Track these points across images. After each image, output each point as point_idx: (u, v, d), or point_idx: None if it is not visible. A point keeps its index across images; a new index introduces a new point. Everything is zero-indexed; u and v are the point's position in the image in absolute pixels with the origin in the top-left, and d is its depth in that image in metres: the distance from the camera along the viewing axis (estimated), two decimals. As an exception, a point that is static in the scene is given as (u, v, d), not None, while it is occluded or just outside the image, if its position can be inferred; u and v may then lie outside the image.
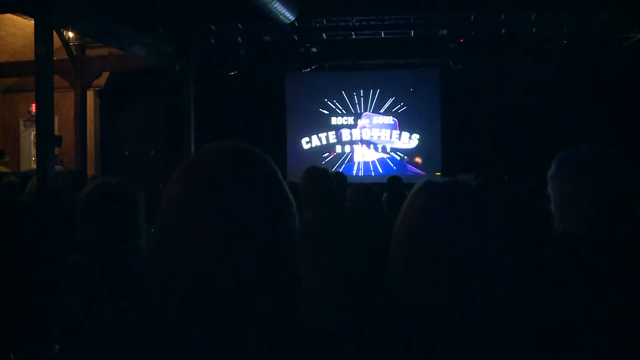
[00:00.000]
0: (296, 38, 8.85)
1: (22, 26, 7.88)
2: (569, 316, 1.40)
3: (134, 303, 1.61)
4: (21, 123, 9.87)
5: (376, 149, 10.60)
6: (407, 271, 1.17)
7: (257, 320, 0.82)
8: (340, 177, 4.60)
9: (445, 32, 8.55)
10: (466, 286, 1.13)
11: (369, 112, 10.60)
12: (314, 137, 10.70)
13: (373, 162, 10.60)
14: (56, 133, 6.79)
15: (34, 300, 1.78)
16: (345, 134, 10.66)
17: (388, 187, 5.10)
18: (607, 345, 1.37)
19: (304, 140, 10.71)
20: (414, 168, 10.36)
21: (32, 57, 5.61)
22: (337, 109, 10.65)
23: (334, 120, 10.68)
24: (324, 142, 10.70)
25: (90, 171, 8.77)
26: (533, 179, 3.70)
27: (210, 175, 0.84)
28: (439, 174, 9.75)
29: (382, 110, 10.55)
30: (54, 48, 5.76)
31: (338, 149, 10.65)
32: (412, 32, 8.56)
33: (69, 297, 1.73)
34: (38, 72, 5.44)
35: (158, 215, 0.86)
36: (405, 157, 10.48)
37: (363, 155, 10.62)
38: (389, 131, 10.55)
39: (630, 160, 1.50)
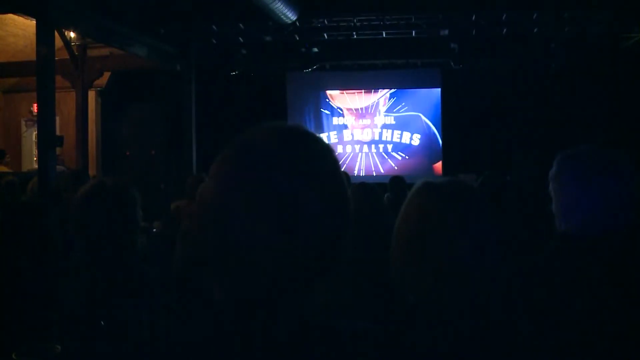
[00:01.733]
0: (297, 38, 8.85)
1: (23, 26, 7.89)
2: (570, 317, 1.40)
3: (134, 301, 1.61)
4: (23, 123, 9.89)
5: (377, 148, 10.59)
6: (408, 272, 1.17)
7: (295, 316, 0.80)
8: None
9: (446, 32, 8.55)
10: (467, 286, 1.13)
11: (370, 112, 10.60)
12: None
13: (374, 162, 10.60)
14: (57, 133, 6.79)
15: (36, 299, 1.78)
16: (347, 134, 10.66)
17: (390, 187, 5.10)
18: (610, 345, 1.37)
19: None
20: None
21: (33, 57, 5.61)
22: (338, 109, 10.66)
23: (335, 121, 10.69)
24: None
25: (92, 171, 8.78)
26: (534, 179, 3.70)
27: (270, 161, 0.77)
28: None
29: (383, 110, 10.54)
30: (55, 48, 5.77)
31: (339, 149, 10.65)
32: (414, 32, 8.55)
33: (69, 296, 1.74)
34: (39, 72, 5.45)
35: (200, 204, 0.81)
36: (407, 156, 10.47)
37: (364, 156, 10.62)
38: (390, 131, 10.55)
39: (631, 160, 1.50)
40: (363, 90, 10.54)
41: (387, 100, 10.52)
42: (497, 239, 1.16)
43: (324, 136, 10.66)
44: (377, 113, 10.56)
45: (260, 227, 0.75)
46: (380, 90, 10.50)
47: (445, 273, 1.12)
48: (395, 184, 5.12)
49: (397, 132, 10.53)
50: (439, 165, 10.27)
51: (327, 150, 0.82)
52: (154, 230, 4.54)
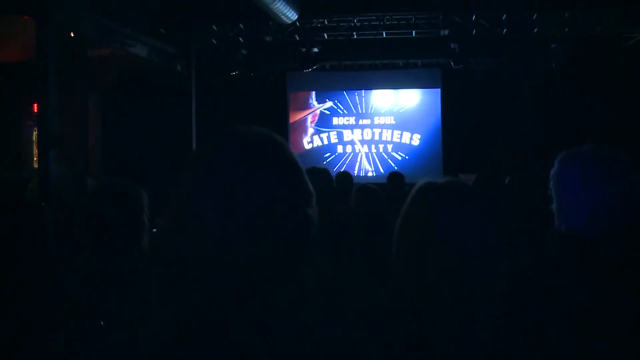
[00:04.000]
0: (297, 38, 8.85)
1: (24, 26, 7.88)
2: (570, 316, 1.40)
3: (139, 300, 1.61)
4: (23, 123, 9.87)
5: (377, 148, 10.59)
6: (410, 271, 1.17)
7: (269, 309, 0.81)
8: (345, 177, 4.60)
9: (446, 32, 8.55)
10: (470, 287, 1.13)
11: (371, 111, 10.60)
12: (316, 137, 10.71)
13: (374, 162, 10.60)
14: (58, 133, 6.79)
15: (36, 300, 1.78)
16: (347, 134, 10.66)
17: (388, 183, 5.11)
18: (609, 345, 1.37)
19: (306, 140, 10.72)
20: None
21: (34, 57, 5.61)
22: (338, 109, 10.66)
23: (335, 120, 10.69)
24: (326, 142, 10.70)
25: (93, 171, 8.77)
26: (534, 179, 3.69)
27: (230, 162, 0.81)
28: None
29: (383, 110, 10.55)
30: (56, 48, 5.76)
31: (339, 149, 10.65)
32: (414, 32, 8.55)
33: (74, 296, 1.74)
34: (40, 72, 5.44)
35: (171, 202, 0.83)
36: (407, 156, 10.47)
37: (364, 155, 10.62)
38: (390, 131, 10.55)
39: (632, 159, 1.50)
40: (363, 90, 10.54)
41: (387, 100, 10.51)
42: (496, 239, 1.16)
43: (324, 136, 10.66)
44: (377, 113, 10.56)
45: (232, 226, 0.78)
46: (380, 90, 10.49)
47: (446, 272, 1.13)
48: (393, 179, 5.14)
49: (397, 132, 10.53)
50: (438, 165, 10.26)
51: (285, 150, 0.87)
52: (154, 230, 4.53)
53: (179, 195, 0.83)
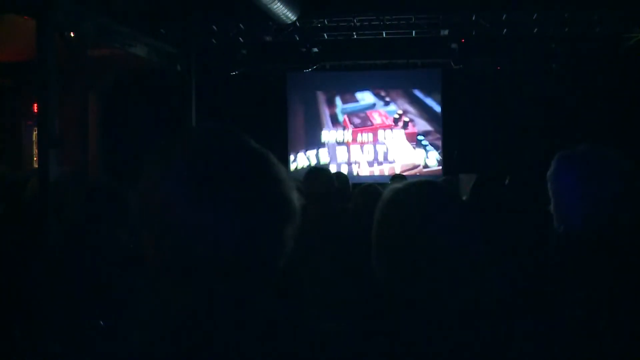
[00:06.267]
0: (297, 38, 8.85)
1: (23, 26, 7.88)
2: (570, 316, 1.40)
3: (122, 298, 1.62)
4: (23, 124, 9.88)
5: (378, 148, 10.59)
6: (390, 270, 1.19)
7: (248, 318, 0.80)
8: (342, 178, 4.60)
9: (446, 32, 8.55)
10: (469, 287, 1.13)
11: (370, 111, 10.59)
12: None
13: (375, 162, 10.59)
14: (57, 134, 6.79)
15: (35, 299, 1.79)
16: (347, 135, 10.65)
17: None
18: (608, 344, 1.37)
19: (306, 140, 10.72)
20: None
21: (33, 57, 5.61)
22: (338, 109, 10.65)
23: (335, 121, 10.69)
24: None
25: (92, 172, 8.78)
26: (534, 179, 3.69)
27: (203, 151, 0.81)
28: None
29: (383, 111, 10.53)
30: (56, 48, 5.76)
31: (339, 149, 10.64)
32: (414, 32, 8.55)
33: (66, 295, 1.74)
34: (40, 72, 5.44)
35: (140, 191, 0.83)
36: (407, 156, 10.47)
37: (364, 156, 10.61)
38: (390, 131, 10.55)
39: (630, 160, 1.50)
40: (363, 90, 10.53)
41: (387, 100, 10.51)
42: (476, 236, 1.17)
43: (324, 136, 10.66)
44: (377, 113, 10.55)
45: (207, 217, 0.77)
46: (380, 90, 10.49)
47: (417, 269, 1.14)
48: (396, 182, 5.11)
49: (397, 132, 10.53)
50: (439, 165, 10.26)
51: (273, 167, 0.86)
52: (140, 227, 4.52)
53: (148, 184, 0.83)
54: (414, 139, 10.42)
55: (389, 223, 1.20)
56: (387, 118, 10.55)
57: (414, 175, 9.89)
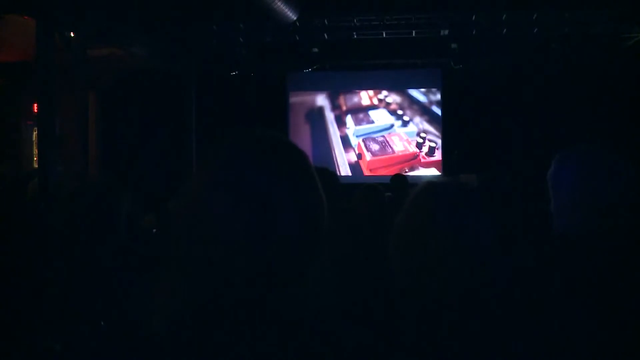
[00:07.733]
0: (297, 38, 8.85)
1: (24, 26, 7.88)
2: (569, 316, 1.40)
3: (117, 298, 1.62)
4: (22, 123, 9.87)
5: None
6: (414, 274, 1.17)
7: (267, 310, 0.81)
8: (328, 175, 4.55)
9: (446, 32, 8.55)
10: (472, 288, 1.13)
11: (370, 111, 10.58)
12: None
13: (375, 162, 10.58)
14: (57, 133, 6.79)
15: (35, 299, 1.79)
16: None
17: (391, 186, 5.08)
18: (607, 345, 1.37)
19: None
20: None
21: (34, 57, 5.62)
22: (339, 109, 10.64)
23: (336, 120, 10.68)
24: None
25: (92, 172, 8.78)
26: (534, 179, 3.70)
27: (244, 163, 0.83)
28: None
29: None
30: (56, 48, 5.77)
31: (340, 149, 10.63)
32: (414, 32, 8.55)
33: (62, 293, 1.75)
34: (40, 72, 5.45)
35: (181, 199, 0.85)
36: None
37: (364, 156, 10.60)
38: (390, 131, 10.53)
39: (630, 160, 1.50)
40: (363, 90, 10.52)
41: (387, 100, 10.50)
42: (495, 238, 1.17)
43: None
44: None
45: (237, 226, 0.79)
46: (380, 90, 10.48)
47: (445, 271, 1.13)
48: (396, 182, 5.10)
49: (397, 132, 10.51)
50: (439, 166, 10.25)
51: (300, 155, 0.88)
52: (154, 231, 4.52)
53: (190, 192, 0.84)
54: (414, 139, 10.36)
55: (422, 226, 1.19)
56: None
57: (414, 175, 9.88)
